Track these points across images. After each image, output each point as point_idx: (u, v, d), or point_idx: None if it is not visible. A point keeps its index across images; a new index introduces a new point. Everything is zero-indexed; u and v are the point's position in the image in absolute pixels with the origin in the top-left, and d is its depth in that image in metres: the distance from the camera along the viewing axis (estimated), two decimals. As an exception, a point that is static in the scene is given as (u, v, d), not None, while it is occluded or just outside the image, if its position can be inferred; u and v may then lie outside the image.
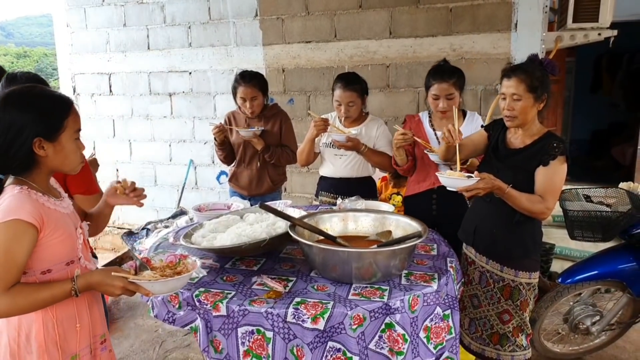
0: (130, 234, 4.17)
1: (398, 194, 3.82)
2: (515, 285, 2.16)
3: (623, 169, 7.00)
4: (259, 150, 3.06)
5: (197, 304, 1.70)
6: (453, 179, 1.98)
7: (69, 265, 1.47)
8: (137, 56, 4.85)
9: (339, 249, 1.76)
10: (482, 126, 2.35)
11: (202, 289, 1.75)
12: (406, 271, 1.92)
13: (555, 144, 2.01)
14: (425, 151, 2.60)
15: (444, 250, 2.17)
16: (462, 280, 2.15)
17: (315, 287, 1.78)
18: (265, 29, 4.37)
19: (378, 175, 3.70)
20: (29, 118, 1.36)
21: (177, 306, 1.74)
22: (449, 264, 2.01)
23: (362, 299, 1.68)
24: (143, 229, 4.28)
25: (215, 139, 3.12)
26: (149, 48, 4.81)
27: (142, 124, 4.98)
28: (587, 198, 3.01)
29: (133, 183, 1.68)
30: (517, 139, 2.15)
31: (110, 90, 5.03)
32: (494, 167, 2.12)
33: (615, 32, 3.84)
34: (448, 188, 2.03)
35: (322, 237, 2.02)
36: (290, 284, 1.79)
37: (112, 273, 1.43)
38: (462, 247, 2.37)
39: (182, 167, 4.86)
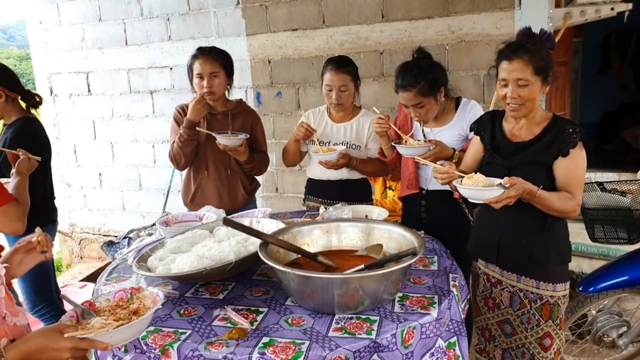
0: (110, 244, 3.88)
1: (390, 188, 3.51)
2: (555, 301, 1.84)
3: (635, 153, 6.66)
4: (242, 161, 2.57)
5: (144, 347, 1.40)
6: (478, 190, 1.65)
7: None
8: (115, 52, 4.54)
9: (315, 275, 1.45)
10: (471, 130, 2.02)
11: (151, 328, 1.45)
12: (400, 294, 1.61)
13: (571, 130, 1.71)
14: (392, 143, 2.27)
15: (446, 264, 1.86)
16: (468, 297, 1.84)
17: (290, 320, 1.47)
18: (249, 18, 4.04)
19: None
20: None
21: (122, 349, 1.45)
22: (451, 282, 1.70)
23: (345, 335, 1.38)
24: (124, 237, 3.99)
25: (184, 125, 2.42)
26: (126, 43, 4.49)
27: (124, 124, 4.67)
28: (600, 185, 2.69)
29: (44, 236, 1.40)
30: (521, 130, 1.83)
31: (89, 90, 4.72)
32: (501, 167, 1.80)
33: (630, 6, 3.49)
34: (471, 200, 1.71)
35: (300, 255, 1.72)
36: (259, 318, 1.49)
37: (60, 334, 1.10)
38: (481, 265, 2.04)
39: (167, 169, 4.55)
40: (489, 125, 1.92)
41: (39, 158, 2.29)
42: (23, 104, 2.67)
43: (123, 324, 1.16)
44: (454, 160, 2.22)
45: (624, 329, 2.40)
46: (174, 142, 2.53)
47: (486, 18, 3.45)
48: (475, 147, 1.98)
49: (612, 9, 3.49)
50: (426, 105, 2.17)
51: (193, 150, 2.54)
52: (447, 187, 2.33)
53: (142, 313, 1.23)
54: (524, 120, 1.80)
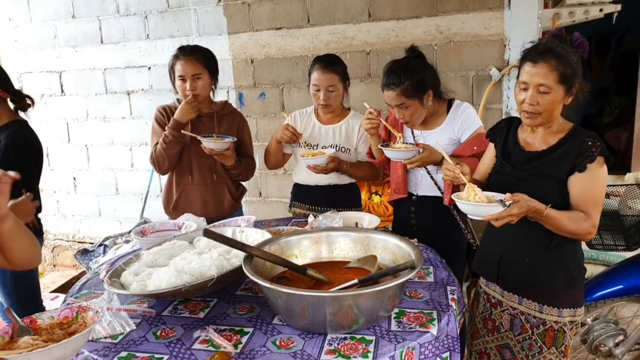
0: (84, 252, 3.68)
1: (377, 193, 3.41)
2: (559, 327, 1.70)
3: (617, 155, 6.70)
4: (229, 165, 2.42)
5: (116, 376, 1.26)
6: (477, 206, 1.52)
7: None
8: (90, 51, 4.34)
9: (305, 293, 1.32)
10: (487, 137, 1.90)
11: (123, 354, 1.30)
12: (397, 309, 1.50)
13: (590, 143, 1.58)
14: (379, 146, 2.16)
15: (443, 276, 1.75)
16: (464, 310, 1.74)
17: (277, 342, 1.34)
18: (230, 16, 3.90)
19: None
20: None
21: (92, 377, 1.30)
22: (449, 296, 1.60)
23: (339, 358, 1.25)
24: (100, 245, 3.80)
25: (170, 125, 2.29)
26: (102, 42, 4.30)
27: (99, 126, 4.48)
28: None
29: None
30: (535, 138, 1.71)
31: (62, 90, 4.52)
32: (510, 177, 1.69)
33: (618, 7, 3.47)
34: (470, 216, 1.59)
35: (287, 269, 1.59)
36: (244, 339, 1.36)
37: None
38: (482, 283, 1.92)
39: (145, 172, 4.37)
40: (504, 132, 1.80)
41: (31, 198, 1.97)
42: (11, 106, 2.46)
43: (49, 345, 1.08)
44: (443, 166, 2.12)
45: (621, 337, 2.33)
46: (156, 144, 2.38)
47: (475, 18, 3.38)
48: (490, 155, 1.86)
49: (600, 10, 3.46)
50: (410, 107, 2.07)
51: (178, 153, 2.39)
52: (437, 193, 2.24)
53: None
54: (540, 128, 1.68)
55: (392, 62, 2.11)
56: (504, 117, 3.50)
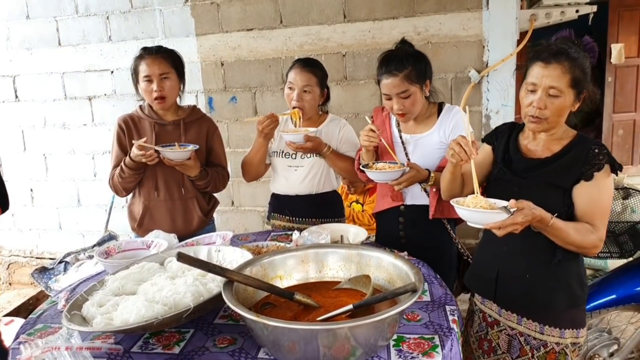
0: (42, 271, 3.41)
1: (357, 202, 3.27)
2: (561, 349, 1.59)
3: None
4: (193, 177, 2.23)
5: None
6: (478, 213, 1.40)
7: None
8: (46, 54, 4.06)
9: (295, 327, 1.16)
10: (482, 140, 1.79)
11: (86, 406, 1.12)
12: (395, 336, 1.36)
13: (597, 150, 1.49)
14: (360, 167, 2.03)
15: (440, 294, 1.62)
16: (462, 329, 1.62)
17: (266, 381, 1.18)
18: (198, 16, 3.71)
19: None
20: None
21: None
22: (450, 317, 1.47)
23: (338, 399, 1.10)
24: (60, 262, 3.53)
25: (126, 163, 2.14)
26: (60, 44, 4.02)
27: (59, 134, 4.19)
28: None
29: None
30: (538, 145, 1.60)
31: (16, 96, 4.21)
32: (510, 185, 1.58)
33: (594, 8, 3.45)
34: (470, 224, 1.45)
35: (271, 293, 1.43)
36: (227, 380, 1.19)
37: None
38: (477, 300, 1.80)
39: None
40: (504, 136, 1.70)
41: None
42: None
43: None
44: (429, 183, 2.00)
45: (615, 347, 2.26)
46: (114, 167, 2.18)
47: (453, 19, 3.30)
48: (483, 154, 1.74)
49: (577, 11, 3.43)
50: (412, 96, 1.94)
51: (136, 183, 2.25)
52: (426, 202, 2.11)
53: None
54: (543, 134, 1.58)
55: (389, 51, 2.00)
56: (483, 119, 3.43)
